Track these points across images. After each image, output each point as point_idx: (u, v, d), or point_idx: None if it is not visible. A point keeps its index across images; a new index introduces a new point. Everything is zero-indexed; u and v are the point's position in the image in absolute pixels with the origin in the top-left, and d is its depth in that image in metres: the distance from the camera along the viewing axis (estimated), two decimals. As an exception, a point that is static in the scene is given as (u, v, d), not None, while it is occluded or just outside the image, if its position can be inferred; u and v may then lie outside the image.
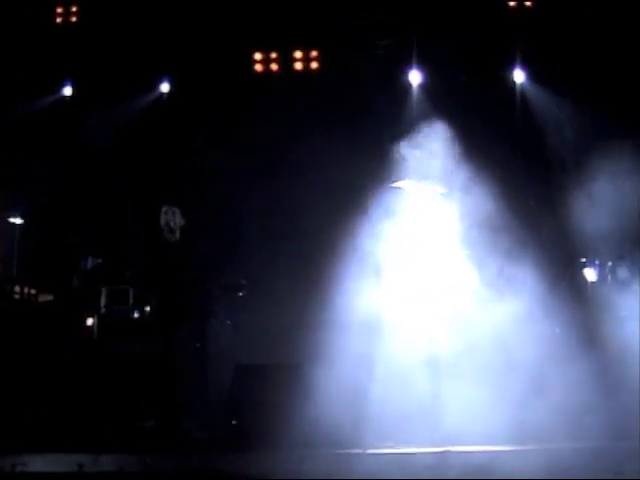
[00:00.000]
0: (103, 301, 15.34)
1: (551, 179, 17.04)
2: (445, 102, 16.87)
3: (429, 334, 14.59)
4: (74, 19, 17.91)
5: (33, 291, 15.48)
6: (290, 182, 16.62)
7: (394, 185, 15.67)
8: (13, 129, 17.22)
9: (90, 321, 15.12)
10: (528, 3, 17.32)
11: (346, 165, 15.91)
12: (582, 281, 16.47)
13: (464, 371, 14.04)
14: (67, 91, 18.05)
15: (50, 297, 15.79)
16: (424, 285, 14.78)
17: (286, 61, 17.64)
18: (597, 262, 16.54)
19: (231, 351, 14.49)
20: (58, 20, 17.94)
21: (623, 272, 15.99)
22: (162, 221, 13.27)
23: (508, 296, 14.49)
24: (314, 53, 17.56)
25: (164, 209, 13.37)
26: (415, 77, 17.77)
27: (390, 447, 13.35)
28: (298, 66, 17.66)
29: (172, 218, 13.36)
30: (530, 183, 16.98)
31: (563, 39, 16.74)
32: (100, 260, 16.05)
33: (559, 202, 16.39)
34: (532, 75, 17.43)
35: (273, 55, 17.69)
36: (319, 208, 15.56)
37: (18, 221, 16.43)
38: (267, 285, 15.41)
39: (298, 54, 17.60)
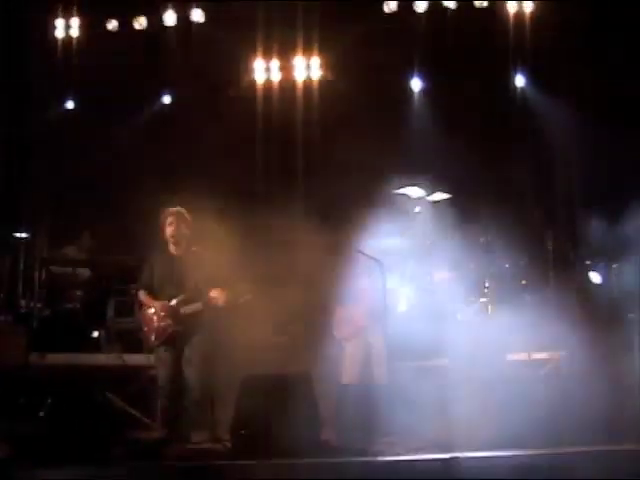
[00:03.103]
0: (110, 313, 15.32)
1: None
2: (447, 107, 16.96)
3: None
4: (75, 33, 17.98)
5: (39, 305, 15.47)
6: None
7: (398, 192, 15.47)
8: (16, 144, 17.29)
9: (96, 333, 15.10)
10: (528, 9, 17.34)
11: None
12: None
13: None
14: (69, 105, 18.19)
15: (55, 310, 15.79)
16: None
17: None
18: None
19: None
20: (58, 34, 18.00)
21: None
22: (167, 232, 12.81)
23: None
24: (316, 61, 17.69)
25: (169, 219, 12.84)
26: (417, 84, 17.93)
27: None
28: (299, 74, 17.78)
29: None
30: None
31: (563, 42, 16.74)
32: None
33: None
34: (533, 80, 17.51)
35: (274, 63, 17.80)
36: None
37: (23, 235, 16.40)
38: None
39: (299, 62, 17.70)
